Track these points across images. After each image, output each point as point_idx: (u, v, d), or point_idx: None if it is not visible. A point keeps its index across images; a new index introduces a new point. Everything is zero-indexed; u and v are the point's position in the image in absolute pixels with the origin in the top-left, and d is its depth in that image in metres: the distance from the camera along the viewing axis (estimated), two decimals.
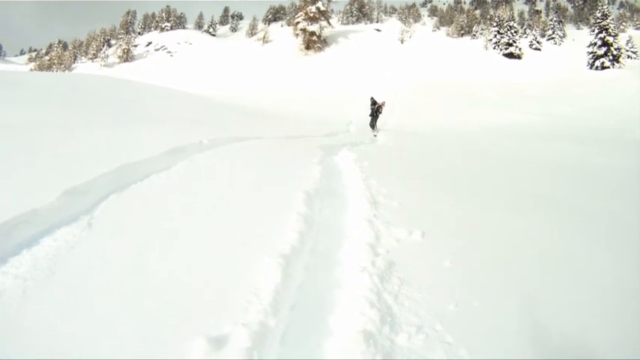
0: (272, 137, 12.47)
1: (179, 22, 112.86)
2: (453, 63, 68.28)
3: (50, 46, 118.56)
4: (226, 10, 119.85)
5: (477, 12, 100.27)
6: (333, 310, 3.41)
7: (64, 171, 5.55)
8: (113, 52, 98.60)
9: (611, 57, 61.17)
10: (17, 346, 2.63)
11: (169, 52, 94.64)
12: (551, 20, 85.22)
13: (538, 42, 77.55)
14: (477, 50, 76.20)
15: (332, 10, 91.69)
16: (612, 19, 64.96)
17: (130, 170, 6.05)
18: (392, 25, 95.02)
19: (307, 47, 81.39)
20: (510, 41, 73.10)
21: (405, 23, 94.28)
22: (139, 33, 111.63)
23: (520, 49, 73.22)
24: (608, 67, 60.21)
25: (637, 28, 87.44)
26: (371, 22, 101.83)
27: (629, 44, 68.41)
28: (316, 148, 10.63)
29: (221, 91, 48.65)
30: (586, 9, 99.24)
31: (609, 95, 40.53)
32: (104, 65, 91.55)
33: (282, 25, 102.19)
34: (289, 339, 3.07)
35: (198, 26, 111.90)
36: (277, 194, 6.11)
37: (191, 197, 5.64)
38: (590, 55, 62.89)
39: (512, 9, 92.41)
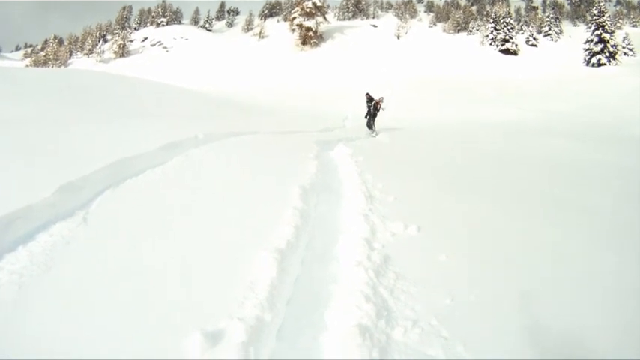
0: (268, 132, 12.47)
1: (175, 18, 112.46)
2: (449, 59, 68.21)
3: (46, 41, 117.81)
4: (222, 5, 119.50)
5: (474, 8, 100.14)
6: (329, 305, 3.42)
7: (60, 167, 5.54)
8: (109, 48, 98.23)
9: (607, 54, 61.14)
10: (13, 340, 2.62)
11: (165, 47, 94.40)
12: (547, 17, 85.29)
13: (534, 38, 77.53)
14: (474, 46, 76.13)
15: (328, 6, 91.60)
16: (609, 16, 64.95)
17: (126, 165, 6.04)
18: (388, 20, 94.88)
19: (303, 43, 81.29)
20: (507, 37, 73.06)
21: (401, 19, 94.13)
22: (135, 28, 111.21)
23: (516, 45, 73.15)
24: (605, 64, 60.17)
25: (633, 26, 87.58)
26: (367, 18, 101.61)
27: (626, 41, 68.46)
28: (312, 144, 10.64)
29: (217, 87, 48.57)
30: (582, 6, 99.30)
31: (605, 92, 40.53)
32: (100, 61, 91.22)
33: (278, 21, 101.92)
34: (285, 333, 3.09)
35: (195, 22, 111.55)
36: (273, 189, 6.12)
37: (186, 192, 5.65)
38: (587, 52, 62.84)
39: (508, 5, 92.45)
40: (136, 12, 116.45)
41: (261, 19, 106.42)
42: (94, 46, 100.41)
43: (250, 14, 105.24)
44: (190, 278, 3.46)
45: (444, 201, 6.38)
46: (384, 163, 9.51)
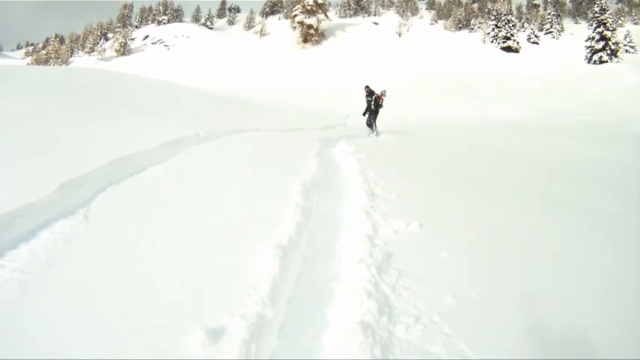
0: (270, 130, 12.48)
1: (176, 16, 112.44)
2: (450, 56, 68.16)
3: (47, 40, 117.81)
4: (223, 3, 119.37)
5: (475, 5, 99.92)
6: (331, 302, 3.41)
7: (61, 164, 5.54)
8: (110, 46, 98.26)
9: (609, 51, 61.06)
10: (15, 339, 2.61)
11: (166, 45, 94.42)
12: (549, 14, 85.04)
13: (536, 36, 77.39)
14: (475, 44, 76.04)
15: (329, 3, 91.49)
16: (610, 13, 64.78)
17: (127, 163, 6.05)
18: (390, 18, 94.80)
19: (305, 40, 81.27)
20: (508, 35, 72.94)
21: (402, 16, 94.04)
22: (136, 26, 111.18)
23: (518, 42, 73.05)
24: (606, 62, 60.10)
25: (635, 23, 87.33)
26: (369, 16, 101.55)
27: (627, 39, 68.23)
28: (314, 141, 10.64)
29: (218, 84, 48.66)
30: (584, 3, 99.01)
31: (607, 90, 40.52)
32: (101, 59, 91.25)
33: (279, 18, 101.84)
34: (287, 330, 3.07)
35: (196, 19, 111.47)
36: (275, 186, 6.12)
37: (188, 189, 5.64)
38: (588, 50, 62.77)
39: (510, 2, 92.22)
40: (137, 10, 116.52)
41: (262, 16, 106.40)
42: (95, 44, 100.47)
43: (251, 12, 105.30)
44: (192, 275, 3.44)
45: (445, 198, 6.36)
46: (386, 160, 9.48)
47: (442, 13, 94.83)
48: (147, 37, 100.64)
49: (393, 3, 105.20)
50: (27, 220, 4.02)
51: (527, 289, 3.65)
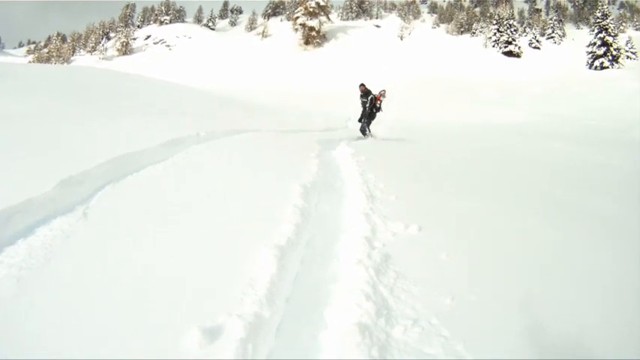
0: (270, 131, 12.51)
1: (178, 16, 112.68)
2: (452, 60, 68.30)
3: (49, 38, 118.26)
4: (226, 4, 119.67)
5: (477, 10, 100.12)
6: (329, 302, 3.39)
7: (61, 161, 5.54)
8: (112, 45, 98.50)
9: (610, 57, 61.21)
10: (12, 337, 2.61)
11: (168, 45, 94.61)
12: (551, 19, 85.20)
13: (538, 41, 77.50)
14: (477, 48, 76.15)
15: (331, 6, 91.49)
16: (612, 19, 64.99)
17: (127, 161, 6.06)
18: (391, 21, 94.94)
19: (306, 42, 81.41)
20: (510, 39, 73.08)
21: (404, 20, 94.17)
22: (138, 26, 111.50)
23: (519, 47, 73.17)
24: (608, 68, 60.25)
25: (637, 29, 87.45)
26: (370, 19, 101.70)
27: (629, 45, 68.29)
28: (314, 143, 10.65)
29: (220, 85, 48.81)
30: (586, 8, 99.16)
31: (608, 95, 40.70)
32: (103, 58, 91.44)
33: (281, 20, 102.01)
34: (284, 331, 3.07)
35: (198, 20, 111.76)
36: (274, 186, 6.13)
37: (187, 188, 5.65)
38: (590, 55, 62.93)
39: (512, 7, 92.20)
40: (139, 10, 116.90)
41: (264, 18, 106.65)
42: (97, 43, 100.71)
43: (254, 13, 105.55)
44: (190, 274, 3.44)
45: (445, 201, 6.36)
46: (386, 163, 9.48)
47: (444, 17, 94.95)
48: (149, 37, 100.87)
49: (395, 6, 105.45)
50: (25, 216, 4.02)
51: (526, 290, 3.64)
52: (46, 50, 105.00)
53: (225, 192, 5.66)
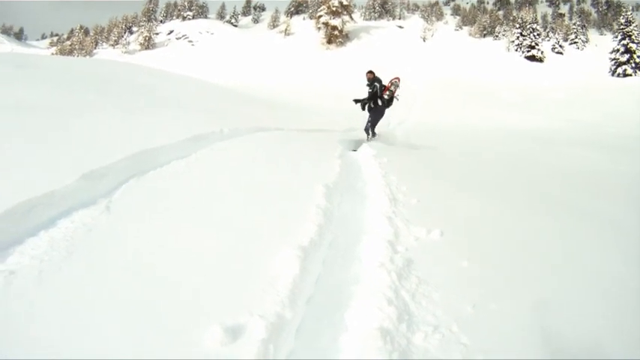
0: (293, 129, 12.48)
1: (201, 12, 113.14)
2: (475, 63, 67.88)
3: (71, 31, 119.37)
4: (249, 1, 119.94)
5: (500, 13, 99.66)
6: (350, 305, 3.39)
7: (83, 154, 5.55)
8: (134, 39, 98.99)
9: (633, 64, 60.59)
10: (31, 329, 2.62)
11: (191, 41, 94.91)
12: (574, 24, 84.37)
13: (560, 46, 76.82)
14: (499, 51, 75.67)
15: (354, 5, 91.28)
16: (636, 25, 64.20)
17: (150, 156, 6.07)
18: (414, 22, 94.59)
19: (329, 41, 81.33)
20: (533, 44, 72.56)
21: (427, 21, 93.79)
22: (161, 21, 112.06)
23: (542, 52, 72.60)
24: (630, 75, 59.62)
25: None
26: (393, 19, 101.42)
27: None
28: (336, 142, 10.67)
29: (242, 82, 48.90)
30: (610, 14, 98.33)
31: (631, 103, 40.23)
32: (125, 52, 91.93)
33: (304, 18, 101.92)
34: (305, 331, 3.08)
35: (220, 16, 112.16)
36: (297, 186, 6.14)
37: (210, 185, 5.67)
38: (613, 62, 62.33)
39: (535, 11, 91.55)
40: (162, 5, 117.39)
41: (287, 16, 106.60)
42: (120, 37, 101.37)
43: (276, 11, 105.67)
44: (212, 271, 3.47)
45: (468, 207, 6.29)
46: (408, 165, 9.42)
47: (467, 19, 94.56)
48: (171, 32, 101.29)
49: (418, 7, 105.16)
50: (47, 208, 4.04)
51: (549, 301, 3.60)
52: (68, 43, 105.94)
53: (248, 190, 5.67)
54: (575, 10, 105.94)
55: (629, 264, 4.64)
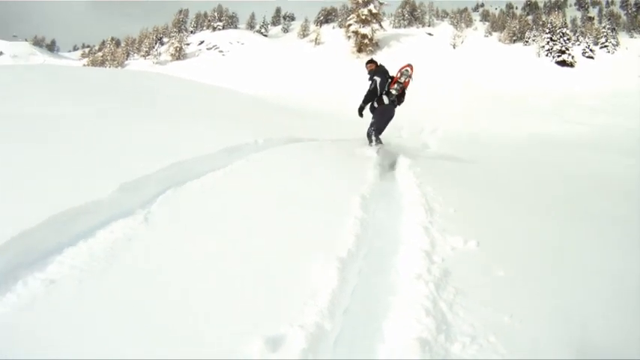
0: (326, 139, 12.47)
1: (231, 22, 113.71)
2: (505, 69, 67.15)
3: (103, 42, 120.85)
4: (278, 10, 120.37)
5: (529, 18, 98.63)
6: (387, 316, 3.42)
7: (121, 165, 5.67)
8: (165, 50, 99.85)
9: None
10: (71, 338, 2.68)
11: (221, 51, 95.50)
12: (604, 28, 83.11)
13: (591, 50, 75.58)
14: (530, 57, 74.74)
15: (384, 13, 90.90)
16: None
17: (187, 167, 6.17)
18: (443, 29, 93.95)
19: (359, 50, 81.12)
20: (563, 49, 71.58)
21: (456, 28, 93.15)
22: (192, 32, 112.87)
23: (573, 57, 71.51)
24: None
25: None
26: (423, 26, 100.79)
27: None
28: (371, 151, 10.60)
29: (272, 91, 48.99)
30: (639, 16, 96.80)
31: None
32: (156, 62, 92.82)
33: (333, 27, 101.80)
34: (343, 342, 3.10)
35: (250, 26, 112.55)
36: (334, 196, 6.18)
37: (248, 196, 5.73)
38: None
39: (564, 15, 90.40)
40: (192, 15, 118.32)
41: (316, 25, 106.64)
42: (151, 48, 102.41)
43: (306, 20, 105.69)
44: (251, 282, 3.51)
45: (504, 217, 6.28)
46: (443, 174, 9.39)
47: (496, 25, 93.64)
48: (202, 42, 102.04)
49: (447, 14, 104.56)
50: (86, 218, 4.12)
51: (586, 312, 3.58)
52: (100, 54, 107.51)
53: (285, 201, 5.71)
54: (604, 13, 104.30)
55: None
